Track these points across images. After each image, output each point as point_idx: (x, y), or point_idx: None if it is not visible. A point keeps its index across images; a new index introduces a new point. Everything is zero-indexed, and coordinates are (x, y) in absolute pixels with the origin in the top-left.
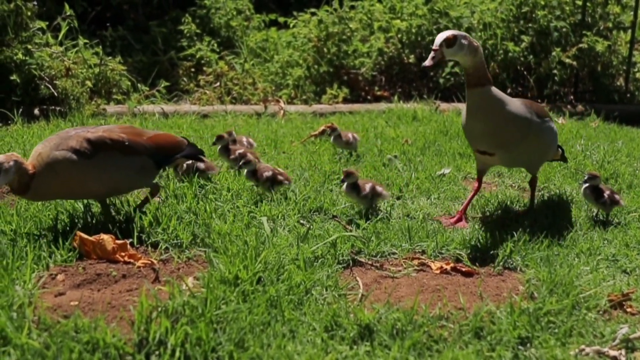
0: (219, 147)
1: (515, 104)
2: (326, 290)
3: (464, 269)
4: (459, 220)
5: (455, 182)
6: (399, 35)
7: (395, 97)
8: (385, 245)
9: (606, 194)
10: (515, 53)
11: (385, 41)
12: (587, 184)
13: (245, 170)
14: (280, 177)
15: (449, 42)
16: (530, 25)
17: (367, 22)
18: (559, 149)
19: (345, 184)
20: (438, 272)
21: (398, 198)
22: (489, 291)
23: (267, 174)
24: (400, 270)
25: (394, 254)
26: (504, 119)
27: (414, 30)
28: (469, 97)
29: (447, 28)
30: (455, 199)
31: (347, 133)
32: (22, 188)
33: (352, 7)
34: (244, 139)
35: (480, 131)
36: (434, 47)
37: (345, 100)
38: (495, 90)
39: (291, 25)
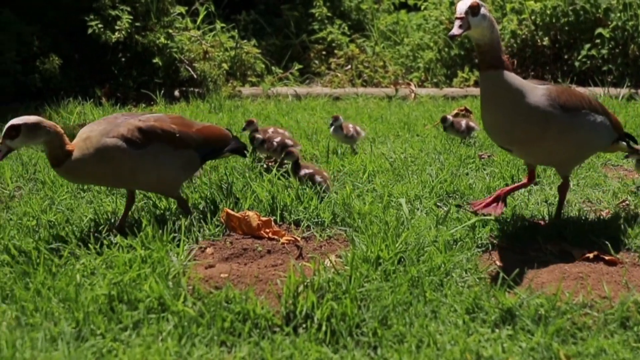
0: (249, 131)
1: (535, 95)
2: (466, 272)
3: (607, 258)
4: (499, 202)
5: (594, 169)
6: (533, 17)
7: None
8: (524, 230)
9: None
10: None
11: (518, 23)
12: (634, 159)
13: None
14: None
15: (474, 10)
16: None
17: (500, 3)
18: (623, 141)
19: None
20: (580, 259)
21: (535, 184)
22: (635, 281)
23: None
24: (540, 257)
25: (534, 239)
26: (517, 112)
27: (548, 12)
28: (482, 81)
29: (583, 9)
30: (595, 186)
31: (348, 125)
32: (54, 161)
33: None
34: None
35: (492, 123)
36: (458, 15)
37: (477, 84)
38: (511, 76)
39: (422, 7)
